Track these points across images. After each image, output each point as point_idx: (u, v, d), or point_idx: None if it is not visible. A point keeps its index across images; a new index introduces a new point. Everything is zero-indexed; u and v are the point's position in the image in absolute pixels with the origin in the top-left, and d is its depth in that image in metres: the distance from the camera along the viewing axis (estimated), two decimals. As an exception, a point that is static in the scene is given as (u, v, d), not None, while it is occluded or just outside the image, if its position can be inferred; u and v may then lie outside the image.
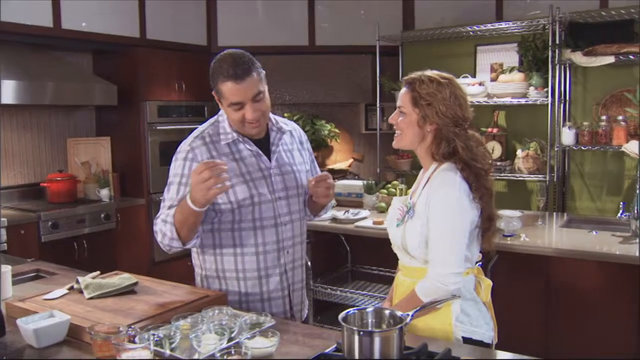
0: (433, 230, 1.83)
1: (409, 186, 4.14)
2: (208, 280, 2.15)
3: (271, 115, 2.14)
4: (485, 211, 1.88)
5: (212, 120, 2.13)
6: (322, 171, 2.24)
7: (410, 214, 1.89)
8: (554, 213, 4.10)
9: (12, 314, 1.85)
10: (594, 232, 3.24)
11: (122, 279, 2.11)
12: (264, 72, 1.99)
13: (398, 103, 1.96)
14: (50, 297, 1.97)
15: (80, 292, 2.01)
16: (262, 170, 2.05)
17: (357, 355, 1.40)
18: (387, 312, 1.54)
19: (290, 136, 2.20)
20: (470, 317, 1.87)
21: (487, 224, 1.90)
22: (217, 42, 5.48)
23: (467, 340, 1.83)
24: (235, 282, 2.09)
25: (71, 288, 2.06)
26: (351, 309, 1.54)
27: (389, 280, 3.79)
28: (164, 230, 1.97)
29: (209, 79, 2.00)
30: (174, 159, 2.08)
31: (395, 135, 1.98)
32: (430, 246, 1.84)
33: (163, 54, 5.00)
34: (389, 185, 4.25)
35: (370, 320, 1.54)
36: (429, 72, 1.93)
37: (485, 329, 1.89)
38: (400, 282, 2.00)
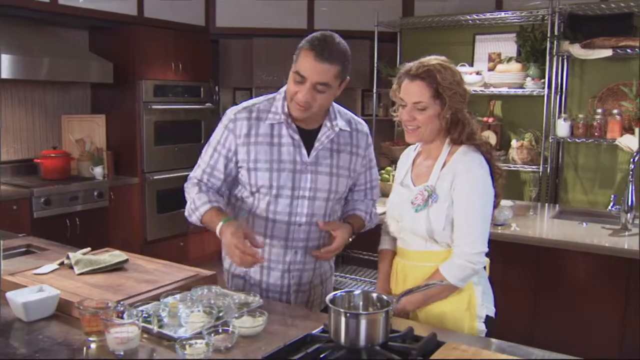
0: (461, 211, 1.81)
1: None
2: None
3: (336, 109, 2.03)
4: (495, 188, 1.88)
5: (269, 96, 2.03)
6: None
7: (433, 198, 1.83)
8: (546, 204, 4.12)
9: (2, 287, 1.85)
10: (584, 224, 3.26)
11: (112, 255, 2.12)
12: (348, 77, 1.90)
13: (414, 99, 1.84)
14: (41, 272, 1.98)
15: (71, 267, 2.02)
16: (296, 163, 1.94)
17: (343, 337, 1.42)
18: (374, 295, 1.56)
19: (348, 136, 2.04)
20: (488, 295, 1.91)
21: (495, 201, 1.90)
22: (215, 22, 5.44)
23: (487, 318, 1.87)
24: None
25: (62, 263, 2.07)
26: (339, 291, 1.55)
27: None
28: (190, 211, 1.99)
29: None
30: (220, 121, 2.04)
31: (410, 129, 1.88)
32: (456, 226, 1.82)
33: (160, 33, 4.96)
34: (383, 171, 4.26)
35: (357, 303, 1.56)
36: (433, 60, 1.85)
37: (492, 305, 1.93)
38: (412, 268, 1.92)
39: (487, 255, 1.87)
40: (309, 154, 1.96)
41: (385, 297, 1.53)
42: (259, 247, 1.81)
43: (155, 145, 4.95)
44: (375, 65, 5.13)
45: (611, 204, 3.40)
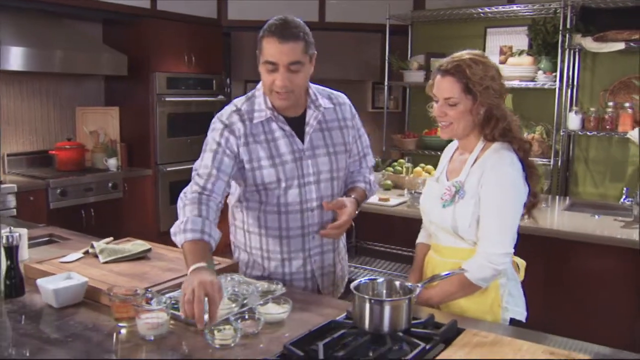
0: (486, 209, 1.78)
1: (415, 165, 4.21)
2: (239, 251, 2.14)
3: (314, 90, 2.05)
4: (532, 187, 1.85)
5: (248, 94, 2.04)
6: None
7: (460, 194, 1.82)
8: (557, 196, 4.14)
9: (30, 275, 1.90)
10: (596, 216, 3.28)
11: (135, 245, 2.17)
12: (314, 52, 1.92)
13: (444, 95, 1.84)
14: (67, 260, 2.03)
15: (95, 256, 2.07)
16: (294, 152, 1.97)
17: (367, 323, 1.45)
18: (397, 283, 1.59)
19: (333, 112, 2.07)
20: (515, 297, 1.88)
21: (533, 201, 1.88)
22: (228, 15, 5.47)
23: (511, 321, 1.85)
24: (260, 259, 2.08)
25: (86, 252, 2.11)
26: (363, 278, 1.59)
27: (392, 257, 3.85)
28: (178, 230, 1.76)
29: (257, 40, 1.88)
30: (209, 130, 1.99)
31: (443, 125, 1.88)
32: (481, 225, 1.79)
33: (173, 25, 4.99)
34: (395, 164, 4.29)
35: (380, 290, 1.59)
36: (465, 55, 1.83)
37: (523, 308, 1.91)
38: (440, 264, 1.92)
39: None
40: (303, 141, 1.99)
41: (407, 285, 1.56)
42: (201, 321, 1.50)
43: (168, 137, 5.00)
44: (387, 58, 5.14)
45: (623, 196, 3.42)
